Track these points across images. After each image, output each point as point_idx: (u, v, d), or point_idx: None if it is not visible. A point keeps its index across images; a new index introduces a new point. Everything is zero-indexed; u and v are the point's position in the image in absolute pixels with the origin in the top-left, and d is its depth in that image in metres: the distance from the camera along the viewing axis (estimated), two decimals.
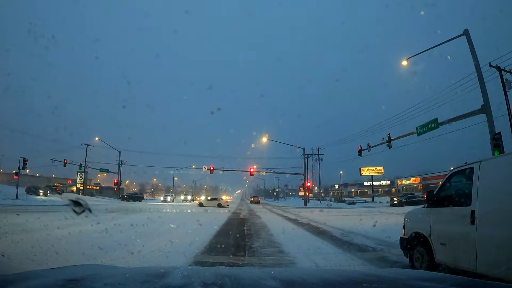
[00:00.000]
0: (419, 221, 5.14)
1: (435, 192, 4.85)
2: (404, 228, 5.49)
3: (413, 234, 5.10)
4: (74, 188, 51.94)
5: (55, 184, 50.74)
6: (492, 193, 3.75)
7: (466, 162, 4.38)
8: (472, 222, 3.82)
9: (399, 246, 5.56)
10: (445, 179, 4.77)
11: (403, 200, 32.29)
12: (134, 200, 43.76)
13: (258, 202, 50.92)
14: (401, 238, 5.49)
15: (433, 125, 17.86)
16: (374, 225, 11.14)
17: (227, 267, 4.35)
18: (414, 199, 31.03)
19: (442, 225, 4.51)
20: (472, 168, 4.10)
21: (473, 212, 3.85)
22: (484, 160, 4.06)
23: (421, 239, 4.85)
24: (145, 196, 57.54)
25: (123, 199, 45.21)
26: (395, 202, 33.47)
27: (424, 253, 4.78)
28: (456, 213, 4.23)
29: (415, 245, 5.00)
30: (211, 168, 41.50)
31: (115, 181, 51.20)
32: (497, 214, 3.64)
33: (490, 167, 3.94)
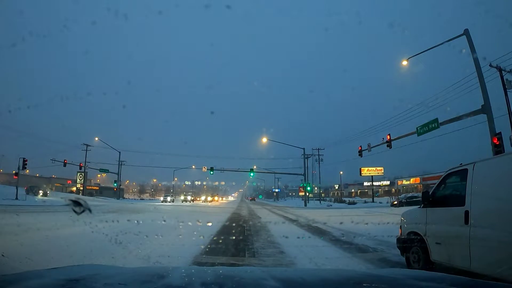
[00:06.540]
0: (415, 221, 5.19)
1: (430, 193, 4.91)
2: (400, 228, 5.56)
3: (410, 234, 5.16)
4: (74, 189, 51.94)
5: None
6: (485, 194, 3.82)
7: (461, 164, 4.44)
8: (466, 222, 3.89)
9: None
10: (440, 180, 4.85)
11: (403, 200, 32.22)
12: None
13: (254, 200, 75.78)
14: (397, 237, 5.56)
15: (433, 125, 17.87)
16: (374, 225, 11.16)
17: (228, 267, 4.36)
18: (414, 199, 30.92)
19: (437, 225, 4.58)
20: (466, 170, 4.17)
21: (467, 213, 3.91)
22: (477, 162, 4.12)
23: (417, 239, 4.91)
24: (145, 196, 57.43)
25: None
26: (395, 202, 33.45)
27: (420, 252, 4.85)
28: (451, 213, 4.30)
29: (411, 244, 5.07)
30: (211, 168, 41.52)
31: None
32: (490, 214, 3.73)
33: (483, 169, 4.00)
